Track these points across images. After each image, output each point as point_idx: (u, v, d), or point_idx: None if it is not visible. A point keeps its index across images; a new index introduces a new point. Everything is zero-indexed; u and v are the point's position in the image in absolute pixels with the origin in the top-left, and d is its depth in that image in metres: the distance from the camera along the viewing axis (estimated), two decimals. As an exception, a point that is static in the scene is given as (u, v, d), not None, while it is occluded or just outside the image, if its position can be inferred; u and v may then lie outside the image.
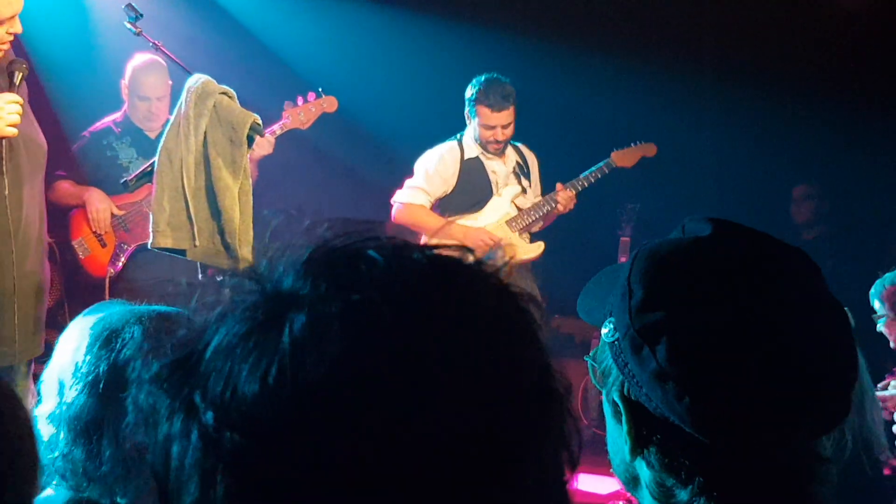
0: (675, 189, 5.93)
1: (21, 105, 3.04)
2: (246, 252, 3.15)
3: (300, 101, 4.59)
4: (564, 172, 5.32)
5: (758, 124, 6.54)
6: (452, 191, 5.11)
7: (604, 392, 1.08)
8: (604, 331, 1.03)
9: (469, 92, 5.04)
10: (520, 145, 5.25)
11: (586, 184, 5.23)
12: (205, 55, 4.73)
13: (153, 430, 0.68)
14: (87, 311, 1.63)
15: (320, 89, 4.64)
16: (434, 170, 5.10)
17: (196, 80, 3.18)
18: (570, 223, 5.30)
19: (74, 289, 4.63)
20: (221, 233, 3.10)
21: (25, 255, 3.16)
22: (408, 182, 5.14)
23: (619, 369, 1.01)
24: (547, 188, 5.28)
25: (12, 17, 3.02)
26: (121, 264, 4.59)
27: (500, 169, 5.16)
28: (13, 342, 3.17)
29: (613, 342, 1.01)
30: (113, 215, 4.57)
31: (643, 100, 6.52)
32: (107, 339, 1.49)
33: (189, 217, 3.08)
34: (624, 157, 5.38)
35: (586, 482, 5.28)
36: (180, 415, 0.66)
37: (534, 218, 5.17)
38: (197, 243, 3.09)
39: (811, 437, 0.98)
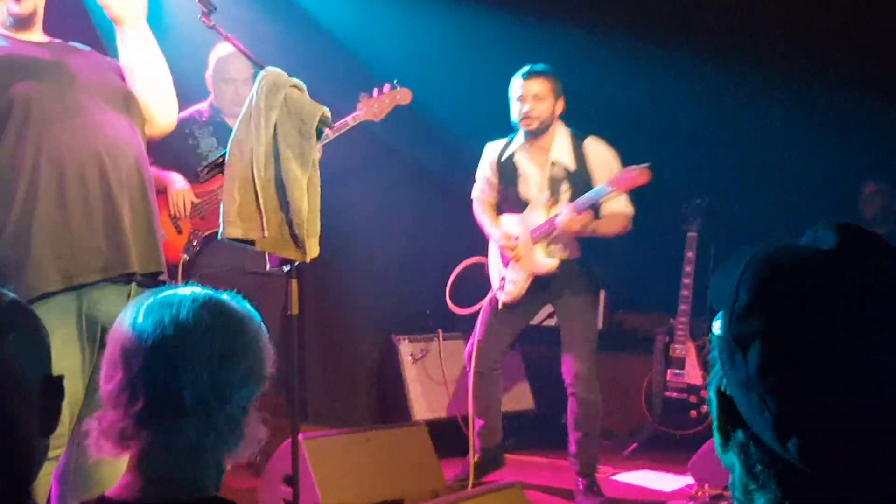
0: (741, 183, 5.86)
1: None
2: (313, 243, 3.19)
3: (376, 92, 4.58)
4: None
5: (827, 118, 6.43)
6: (500, 188, 5.11)
7: (708, 380, 1.10)
8: (715, 324, 1.04)
9: None
10: (588, 142, 4.92)
11: (587, 205, 4.74)
12: (276, 49, 4.77)
13: None
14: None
15: (395, 81, 4.63)
16: (479, 165, 5.17)
17: (267, 72, 3.24)
18: (634, 218, 5.23)
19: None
20: (289, 224, 3.13)
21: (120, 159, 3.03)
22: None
23: (720, 365, 1.03)
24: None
25: None
26: (195, 251, 4.63)
27: (533, 173, 4.96)
28: (128, 249, 2.90)
29: (719, 338, 1.02)
30: (191, 203, 4.61)
31: (710, 94, 6.45)
32: None
33: (258, 208, 3.12)
34: (620, 182, 4.71)
35: (650, 479, 5.26)
36: None
37: (546, 231, 4.87)
38: (266, 234, 3.13)
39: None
